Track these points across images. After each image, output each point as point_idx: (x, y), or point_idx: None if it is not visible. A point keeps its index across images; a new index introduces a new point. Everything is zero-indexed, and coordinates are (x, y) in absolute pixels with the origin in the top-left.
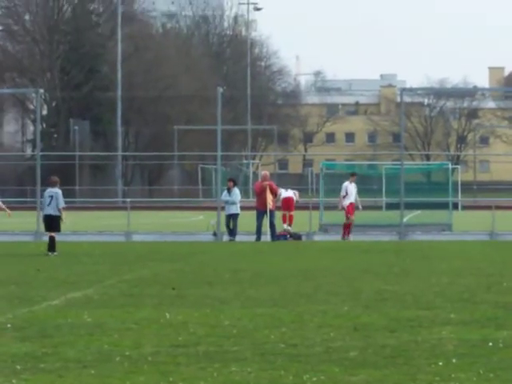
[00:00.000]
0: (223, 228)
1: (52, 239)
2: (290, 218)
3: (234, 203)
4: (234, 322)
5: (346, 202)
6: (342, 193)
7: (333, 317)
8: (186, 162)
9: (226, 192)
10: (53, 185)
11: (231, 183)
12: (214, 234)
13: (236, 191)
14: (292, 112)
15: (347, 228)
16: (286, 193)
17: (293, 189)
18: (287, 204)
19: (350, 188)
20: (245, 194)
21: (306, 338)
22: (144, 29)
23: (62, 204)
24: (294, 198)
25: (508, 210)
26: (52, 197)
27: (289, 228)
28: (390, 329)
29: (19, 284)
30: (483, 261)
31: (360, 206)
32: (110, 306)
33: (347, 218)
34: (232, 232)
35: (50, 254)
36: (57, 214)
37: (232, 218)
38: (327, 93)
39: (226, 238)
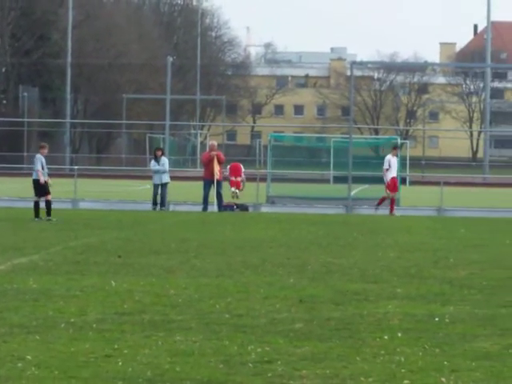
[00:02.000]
0: (171, 197)
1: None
2: (238, 183)
3: (165, 172)
4: (179, 292)
5: (389, 176)
6: (385, 166)
7: (278, 288)
8: (135, 130)
9: (153, 161)
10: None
11: (159, 152)
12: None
13: (165, 160)
14: (241, 83)
15: (392, 203)
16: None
17: (241, 160)
18: (235, 169)
19: (393, 161)
20: (192, 163)
21: (252, 308)
22: None
23: (35, 167)
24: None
25: (456, 186)
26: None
27: (236, 191)
28: (336, 302)
29: None
30: (430, 236)
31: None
32: (55, 272)
33: (387, 192)
34: (162, 201)
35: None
36: (35, 178)
37: (162, 186)
38: (277, 65)
39: (151, 207)
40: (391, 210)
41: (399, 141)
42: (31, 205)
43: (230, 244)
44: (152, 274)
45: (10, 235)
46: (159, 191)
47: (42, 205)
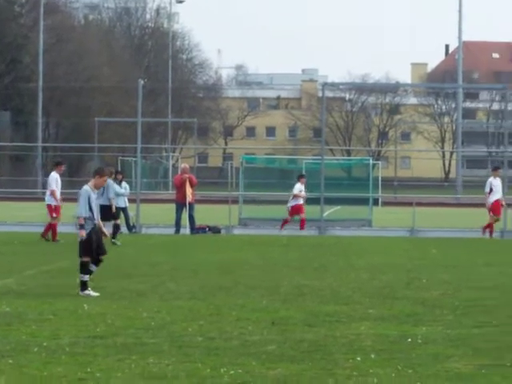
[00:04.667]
0: (143, 220)
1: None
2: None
3: (125, 196)
4: (152, 315)
5: (492, 199)
6: (486, 189)
7: (251, 310)
8: (106, 153)
9: (117, 185)
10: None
11: (120, 176)
12: (133, 227)
13: (125, 184)
14: (213, 105)
15: (490, 227)
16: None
17: (213, 183)
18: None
19: (495, 183)
20: (164, 186)
21: (224, 331)
22: (66, 20)
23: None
24: None
25: (428, 206)
26: None
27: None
28: (308, 323)
29: None
30: (403, 257)
31: (503, 203)
32: (28, 296)
33: (491, 216)
34: (128, 225)
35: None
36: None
37: (124, 210)
38: (248, 86)
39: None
40: (490, 232)
41: (371, 161)
42: (1, 229)
43: (202, 266)
44: (124, 297)
45: None
46: (127, 215)
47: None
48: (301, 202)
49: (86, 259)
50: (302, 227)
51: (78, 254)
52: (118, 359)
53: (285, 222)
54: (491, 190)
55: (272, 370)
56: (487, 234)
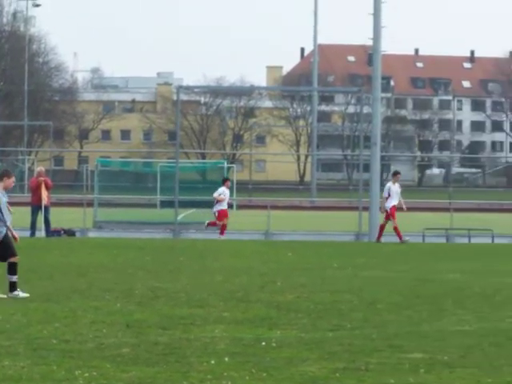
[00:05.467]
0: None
1: None
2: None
3: None
4: (7, 317)
5: (389, 204)
6: (385, 194)
7: (106, 313)
8: None
9: None
10: None
11: None
12: None
13: None
14: (68, 109)
15: (396, 230)
16: None
17: (69, 186)
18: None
19: (394, 188)
20: (20, 189)
21: (79, 333)
22: None
23: None
24: None
25: (283, 209)
26: None
27: None
28: (163, 326)
29: None
30: (258, 260)
31: (404, 207)
32: None
33: (387, 220)
34: None
35: None
36: None
37: None
38: (104, 90)
39: None
40: (399, 236)
41: (226, 165)
42: None
43: (57, 269)
44: None
45: None
46: None
47: None
48: (224, 206)
49: (14, 260)
50: (221, 233)
51: None
52: None
53: (213, 223)
54: (389, 195)
55: (126, 372)
56: (399, 238)
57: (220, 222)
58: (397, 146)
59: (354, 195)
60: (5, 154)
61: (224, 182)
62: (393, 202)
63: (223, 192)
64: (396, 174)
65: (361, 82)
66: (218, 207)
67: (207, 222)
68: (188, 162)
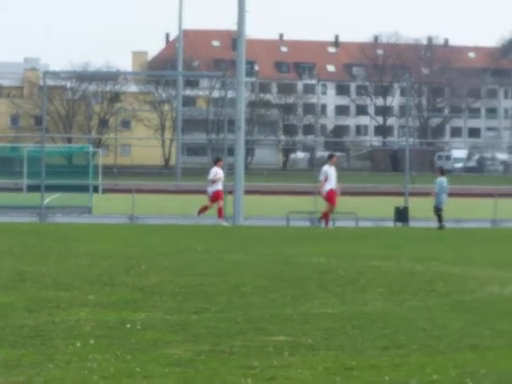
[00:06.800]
0: None
1: None
2: None
3: None
4: None
5: (326, 188)
6: (321, 177)
7: None
8: None
9: None
10: None
11: None
12: None
13: None
14: None
15: (327, 216)
16: None
17: None
18: None
19: (330, 171)
20: None
21: None
22: None
23: None
24: None
25: (148, 193)
26: None
27: None
28: (29, 309)
29: None
30: (123, 244)
31: (338, 191)
32: None
33: (328, 205)
34: None
35: None
36: None
37: None
38: None
39: None
40: (327, 222)
41: (91, 149)
42: None
43: None
44: None
45: None
46: None
47: None
48: (220, 187)
49: None
50: (219, 215)
51: None
52: None
53: (203, 209)
54: (326, 178)
55: None
56: (323, 223)
57: (211, 204)
58: (261, 131)
59: None
60: None
61: (216, 161)
62: (330, 185)
63: (216, 172)
64: (332, 156)
65: (225, 66)
66: (213, 187)
67: (198, 209)
68: (54, 146)
